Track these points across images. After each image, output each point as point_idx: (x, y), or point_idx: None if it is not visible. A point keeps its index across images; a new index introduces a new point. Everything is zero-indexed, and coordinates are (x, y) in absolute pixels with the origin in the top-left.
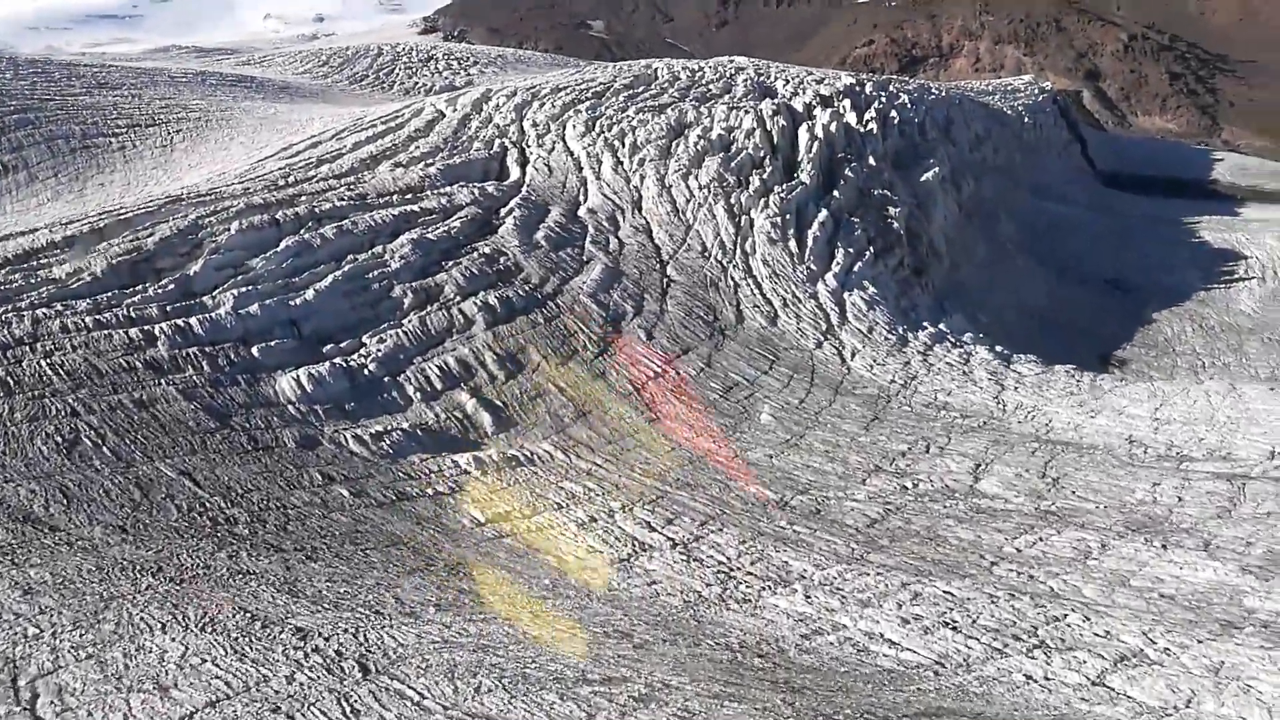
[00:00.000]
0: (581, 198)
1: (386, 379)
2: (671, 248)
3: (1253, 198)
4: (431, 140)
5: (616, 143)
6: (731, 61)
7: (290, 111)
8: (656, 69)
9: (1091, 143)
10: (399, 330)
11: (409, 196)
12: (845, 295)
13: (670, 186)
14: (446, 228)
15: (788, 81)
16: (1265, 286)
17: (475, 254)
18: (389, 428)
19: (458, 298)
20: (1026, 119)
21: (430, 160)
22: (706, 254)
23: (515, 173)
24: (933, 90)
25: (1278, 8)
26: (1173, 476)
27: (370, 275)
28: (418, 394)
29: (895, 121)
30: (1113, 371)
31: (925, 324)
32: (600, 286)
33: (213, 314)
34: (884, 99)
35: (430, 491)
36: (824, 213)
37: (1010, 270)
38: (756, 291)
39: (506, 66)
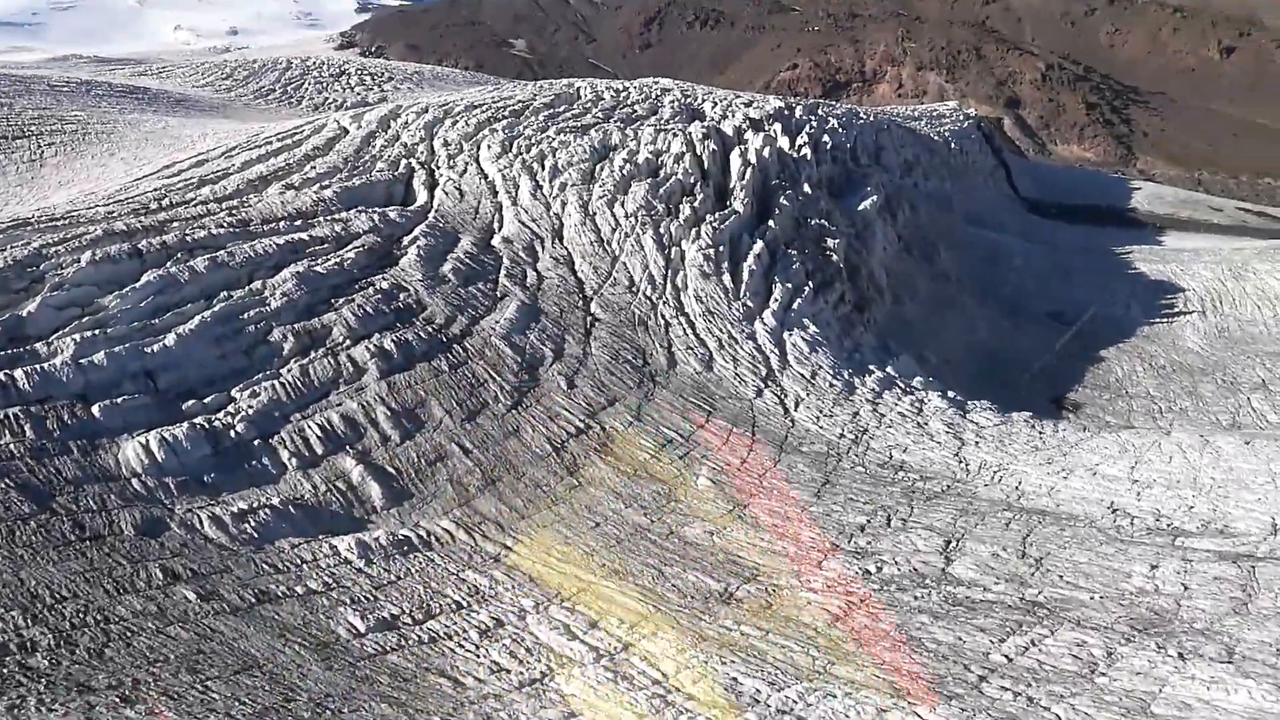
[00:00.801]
0: (496, 225)
1: (257, 442)
2: (596, 282)
3: (1171, 225)
4: (330, 160)
5: (535, 165)
6: (657, 83)
7: (183, 126)
8: (579, 88)
9: (1014, 170)
10: (276, 382)
11: (298, 223)
12: (785, 335)
13: (594, 214)
14: (339, 259)
15: (715, 104)
16: (1208, 321)
17: (371, 290)
18: (255, 504)
19: (347, 341)
20: (953, 145)
21: (326, 182)
22: (634, 289)
23: (422, 196)
24: (860, 115)
25: (1184, 40)
26: (1171, 557)
27: (245, 316)
28: (293, 460)
29: (828, 146)
30: (1068, 417)
31: (871, 367)
32: (515, 326)
33: (45, 364)
34: (814, 123)
35: (300, 590)
36: (759, 244)
37: (953, 305)
38: (689, 331)
39: (423, 83)
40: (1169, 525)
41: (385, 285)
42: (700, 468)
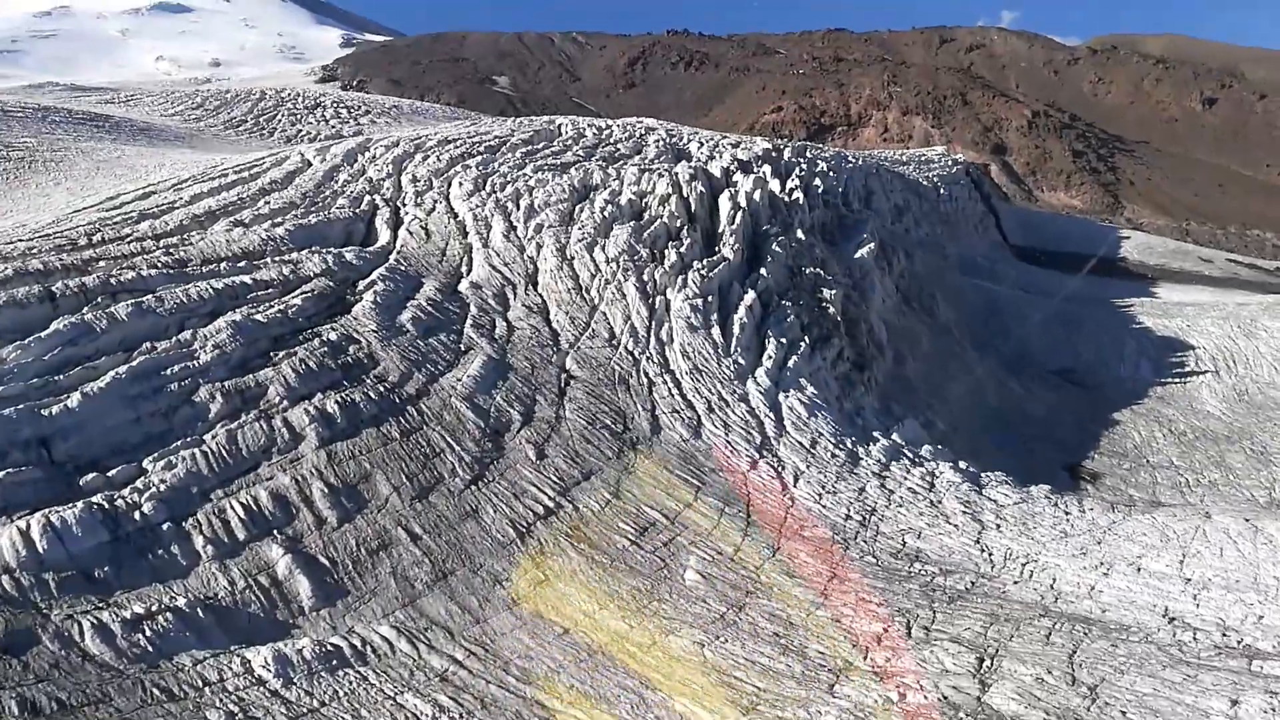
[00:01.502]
0: (464, 269)
1: (166, 526)
2: (573, 334)
3: (1163, 277)
4: (288, 195)
5: (510, 204)
6: (641, 122)
7: (140, 156)
8: (560, 125)
9: (1003, 217)
10: (197, 450)
11: (242, 264)
12: (781, 397)
13: (572, 258)
14: (283, 306)
15: (702, 144)
16: (1223, 383)
17: (316, 341)
18: (155, 606)
19: (284, 403)
20: (942, 190)
21: (280, 219)
22: (615, 342)
23: (384, 236)
24: (849, 158)
25: (1166, 91)
26: (1252, 688)
27: (169, 371)
28: (209, 549)
29: (819, 190)
30: (1086, 488)
31: (875, 433)
32: (480, 385)
33: None
34: (804, 165)
35: None
36: (751, 294)
37: (956, 362)
38: (675, 392)
39: (401, 117)
40: (1239, 642)
41: (333, 336)
42: (688, 557)
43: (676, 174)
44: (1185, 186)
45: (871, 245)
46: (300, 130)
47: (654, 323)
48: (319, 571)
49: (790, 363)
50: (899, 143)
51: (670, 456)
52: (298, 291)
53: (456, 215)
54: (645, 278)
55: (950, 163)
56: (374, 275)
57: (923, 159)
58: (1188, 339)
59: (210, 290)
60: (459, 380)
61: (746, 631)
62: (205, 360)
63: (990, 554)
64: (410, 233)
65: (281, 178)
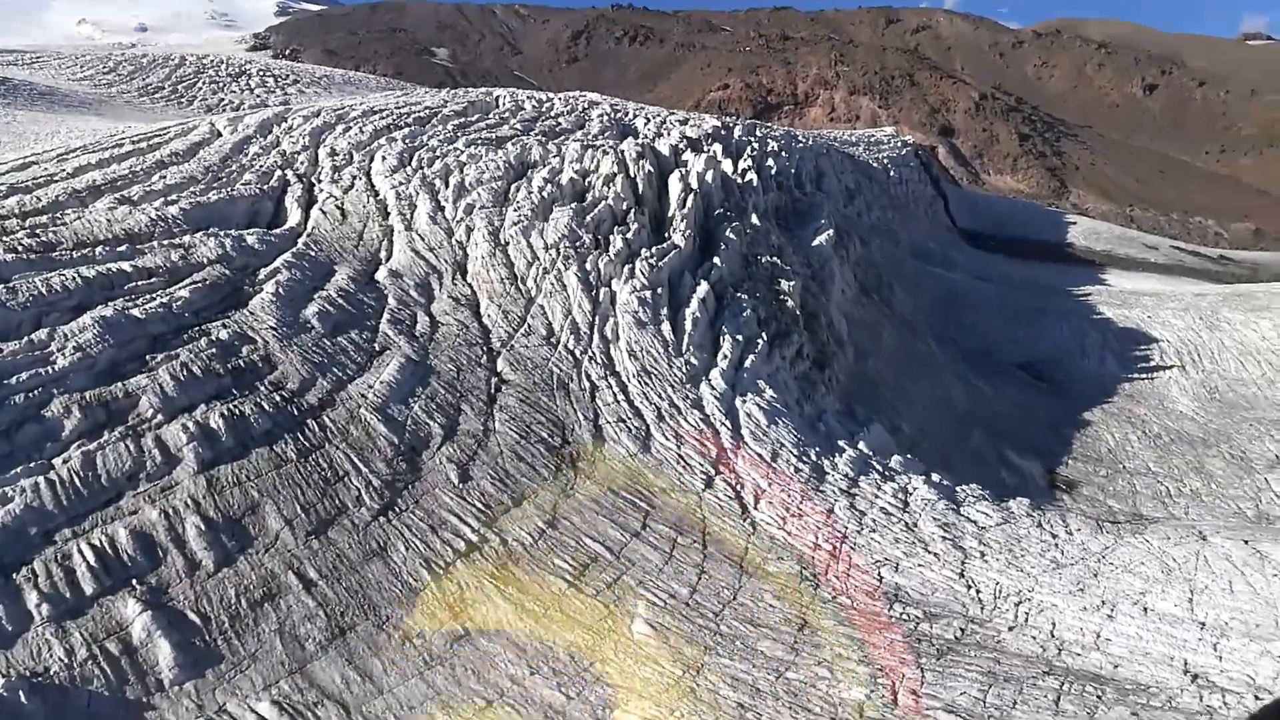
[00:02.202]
0: (383, 254)
1: None
2: (506, 330)
3: (1110, 263)
4: (188, 169)
5: (438, 181)
6: (583, 96)
7: (34, 122)
8: (498, 97)
9: (950, 200)
10: (41, 479)
11: (123, 248)
12: (738, 401)
13: (507, 244)
14: (166, 298)
15: (649, 120)
16: (1191, 379)
17: (204, 341)
18: None
19: (159, 417)
20: (893, 172)
21: (174, 196)
22: (553, 340)
23: (294, 217)
24: (799, 137)
25: (1108, 77)
26: None
27: (15, 380)
28: (44, 607)
29: (772, 171)
30: (1062, 500)
31: (840, 442)
32: (395, 392)
33: None
34: (755, 145)
35: None
36: (704, 285)
37: (919, 359)
38: (621, 397)
39: (332, 87)
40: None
41: (224, 335)
42: (636, 603)
43: (622, 152)
44: (1128, 172)
45: (830, 232)
46: (222, 100)
47: (597, 318)
48: (186, 632)
49: (747, 362)
50: (846, 123)
51: (616, 474)
52: (186, 281)
53: (377, 193)
54: (588, 267)
55: (900, 144)
56: (277, 262)
57: (872, 140)
58: (1150, 331)
59: (78, 279)
60: (370, 387)
61: (705, 702)
62: (63, 365)
63: (978, 591)
64: (324, 213)
65: (184, 150)
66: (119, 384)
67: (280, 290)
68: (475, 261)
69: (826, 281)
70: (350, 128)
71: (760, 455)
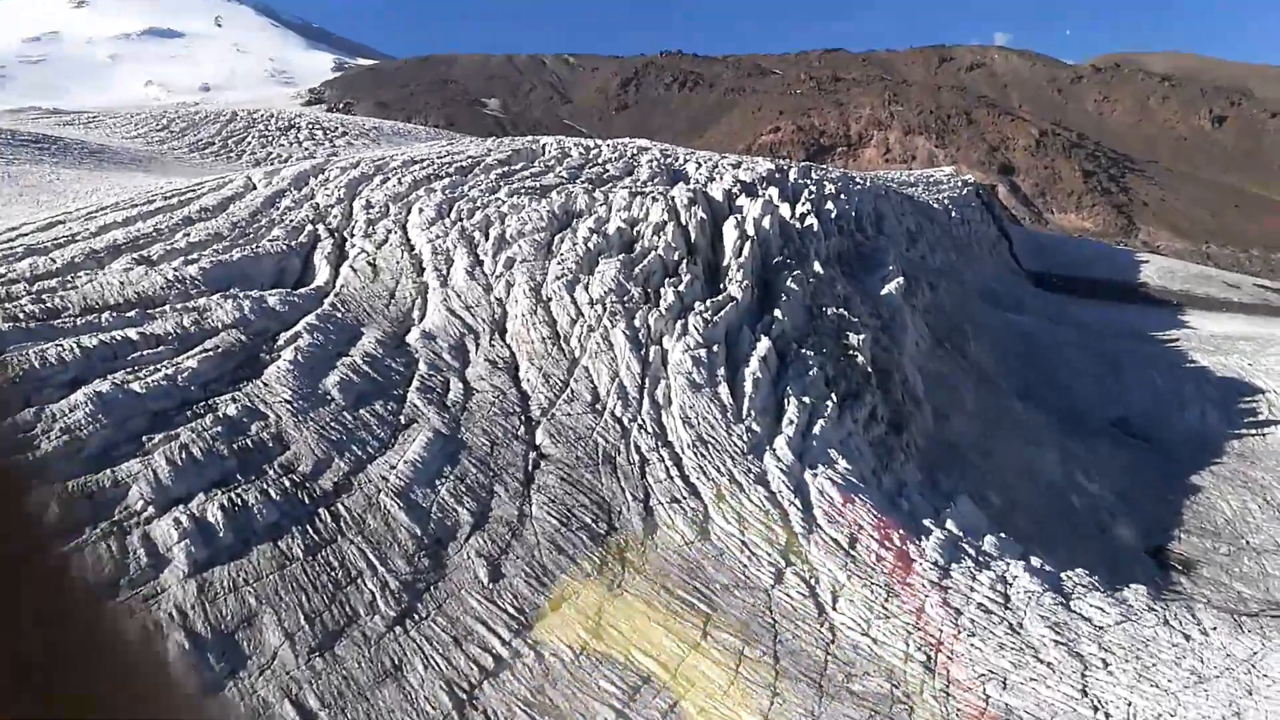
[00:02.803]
0: (416, 314)
1: None
2: (547, 396)
3: (1189, 303)
4: (215, 225)
5: (477, 234)
6: (633, 141)
7: (78, 180)
8: (544, 144)
9: (1014, 240)
10: None
11: (132, 314)
12: (808, 475)
13: (549, 300)
14: (173, 369)
15: (700, 165)
16: None
17: (209, 418)
18: None
19: (148, 510)
20: (954, 213)
21: (196, 254)
22: (599, 407)
23: (323, 274)
24: (856, 179)
25: (1173, 109)
26: None
27: None
28: None
29: (832, 215)
30: (1181, 584)
31: (926, 520)
32: (420, 473)
33: None
34: (813, 187)
35: None
36: (764, 342)
37: (1002, 417)
38: (674, 472)
39: (381, 139)
40: None
41: (232, 411)
42: None
43: (673, 198)
44: (1200, 207)
45: (900, 279)
46: (271, 153)
47: (648, 380)
48: None
49: (816, 428)
50: (902, 163)
51: (670, 568)
52: (197, 349)
53: (413, 247)
54: (637, 323)
55: (960, 183)
56: (299, 325)
57: (931, 180)
58: (1253, 380)
59: (75, 351)
60: (393, 467)
61: None
62: (46, 450)
63: (1107, 714)
64: (354, 269)
65: (215, 205)
66: (107, 472)
67: (300, 357)
68: (515, 320)
69: (898, 333)
70: (389, 179)
71: (836, 541)
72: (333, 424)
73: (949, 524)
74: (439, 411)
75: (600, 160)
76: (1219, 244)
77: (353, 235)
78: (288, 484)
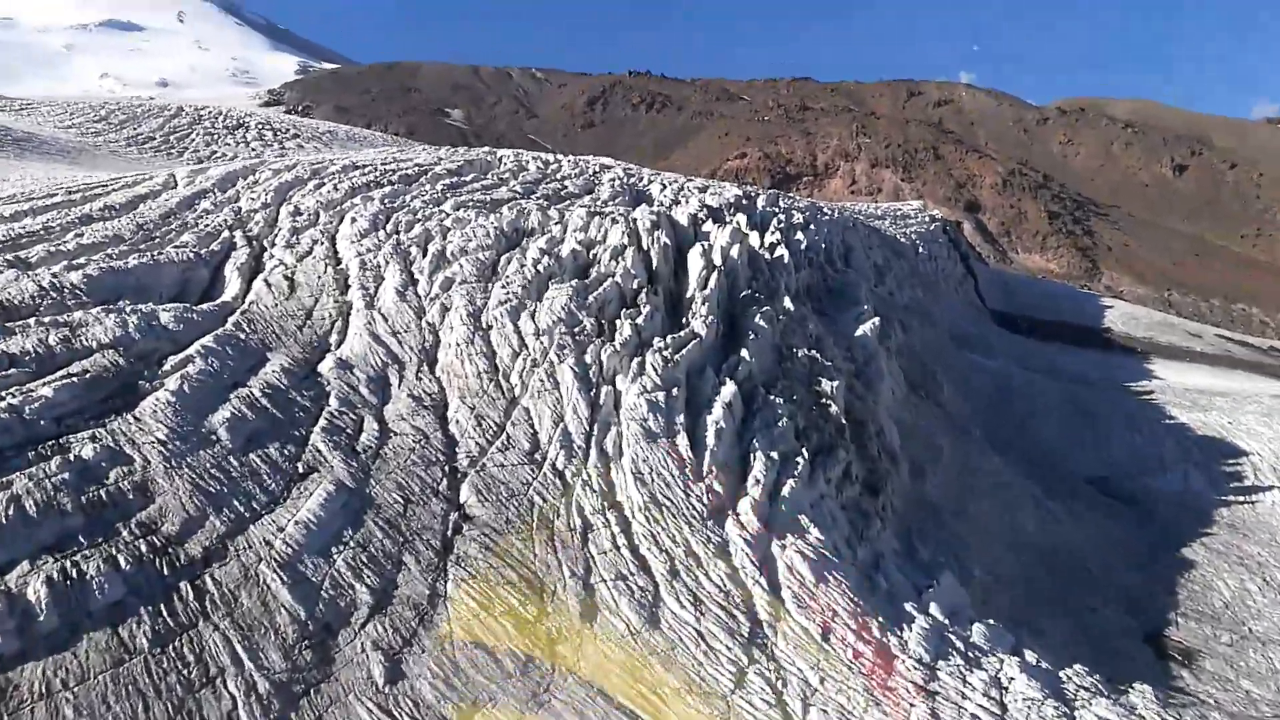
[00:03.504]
0: (334, 338)
1: None
2: (478, 442)
3: (1153, 350)
4: (117, 226)
5: (414, 249)
6: (595, 159)
7: None
8: (501, 156)
9: (979, 279)
10: None
11: None
12: (776, 547)
13: (489, 327)
14: (20, 398)
15: (665, 187)
16: None
17: (57, 462)
18: None
19: None
20: (921, 249)
21: (86, 258)
22: (538, 457)
23: (233, 288)
24: (824, 209)
25: (1136, 156)
26: None
27: None
28: None
29: (802, 246)
30: (1184, 679)
31: (908, 606)
32: (313, 539)
33: None
34: (781, 216)
35: None
36: (729, 386)
37: (981, 474)
38: (622, 541)
39: (334, 143)
40: None
41: (89, 452)
42: None
43: (634, 220)
44: (1163, 255)
45: (875, 320)
46: (215, 152)
47: (596, 426)
48: None
49: (785, 489)
50: (868, 195)
51: (610, 667)
52: (59, 374)
53: (339, 261)
54: (588, 359)
55: (928, 218)
56: (193, 348)
57: (899, 213)
58: (1234, 440)
59: None
60: (281, 530)
61: None
62: None
63: None
64: (268, 284)
65: (123, 203)
66: None
67: (186, 387)
68: (448, 349)
69: (874, 380)
70: (324, 184)
71: (807, 632)
72: (213, 472)
73: (933, 608)
74: (346, 459)
75: (559, 176)
76: (1181, 292)
77: (273, 245)
78: (144, 549)
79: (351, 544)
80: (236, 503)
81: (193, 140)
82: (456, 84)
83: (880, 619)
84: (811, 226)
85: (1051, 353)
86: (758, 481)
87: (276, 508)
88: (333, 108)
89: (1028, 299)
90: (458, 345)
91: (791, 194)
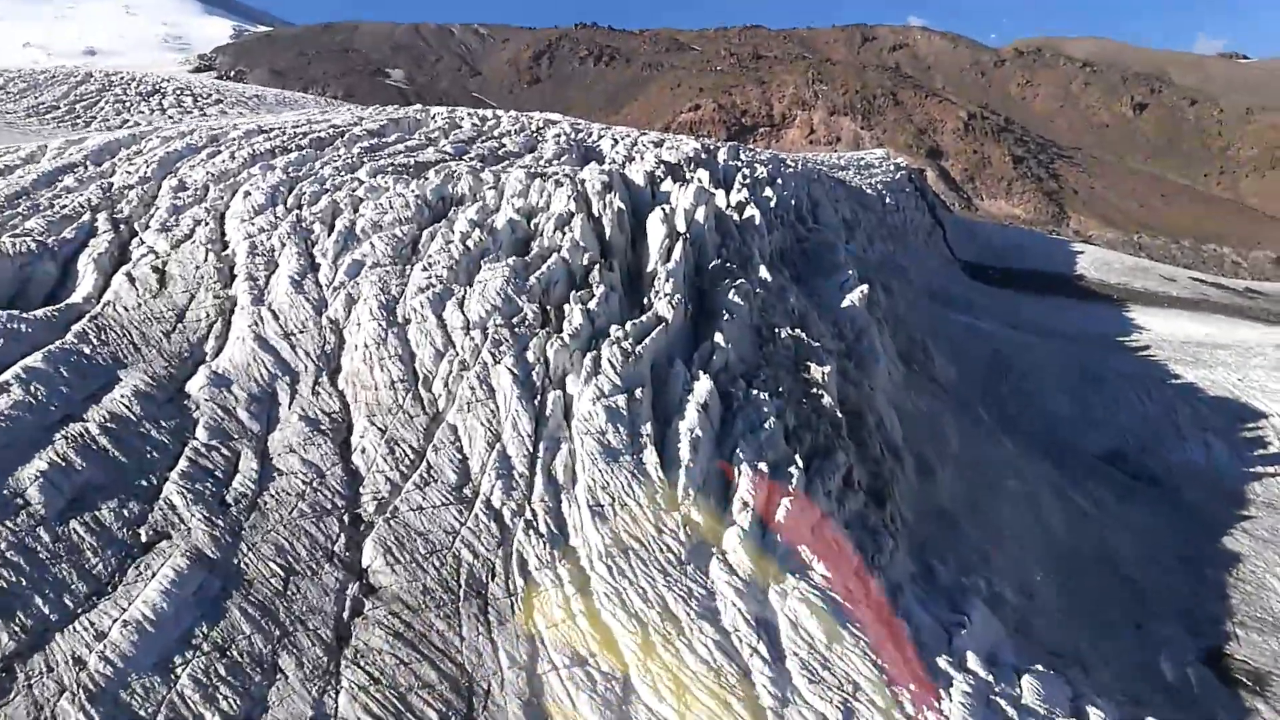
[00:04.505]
0: (210, 346)
1: None
2: (389, 476)
3: (1129, 298)
4: None
5: (318, 226)
6: (540, 114)
7: None
8: (434, 114)
9: (947, 228)
10: None
11: None
12: (775, 597)
13: (407, 322)
14: None
15: (616, 142)
16: None
17: None
18: None
19: None
20: (888, 199)
21: None
22: (468, 493)
23: (87, 285)
24: (787, 161)
25: (1096, 95)
26: None
27: None
28: None
29: (771, 204)
30: (1258, 712)
31: (942, 658)
32: (149, 648)
33: None
34: (746, 170)
35: None
36: (704, 381)
37: (993, 462)
38: (578, 605)
39: (262, 108)
40: None
41: None
42: None
43: (583, 182)
44: (1128, 197)
45: (864, 288)
46: (127, 121)
47: (543, 445)
48: None
49: (780, 512)
50: (827, 145)
51: None
52: None
53: (226, 245)
54: (531, 356)
55: (893, 167)
56: (9, 372)
57: (862, 163)
58: (1250, 401)
59: None
60: (102, 636)
61: None
62: None
63: None
64: (132, 278)
65: None
66: None
67: (4, 423)
68: (354, 353)
69: (868, 360)
70: (220, 152)
71: (825, 700)
72: (9, 554)
73: (970, 659)
74: (210, 515)
75: (496, 133)
76: (1150, 234)
77: (145, 228)
78: None
79: (205, 648)
80: (39, 600)
81: (101, 109)
82: (397, 43)
83: (912, 686)
84: (778, 181)
85: (1034, 306)
86: (745, 505)
87: (100, 601)
88: (267, 71)
89: (996, 247)
90: (366, 347)
91: (751, 146)
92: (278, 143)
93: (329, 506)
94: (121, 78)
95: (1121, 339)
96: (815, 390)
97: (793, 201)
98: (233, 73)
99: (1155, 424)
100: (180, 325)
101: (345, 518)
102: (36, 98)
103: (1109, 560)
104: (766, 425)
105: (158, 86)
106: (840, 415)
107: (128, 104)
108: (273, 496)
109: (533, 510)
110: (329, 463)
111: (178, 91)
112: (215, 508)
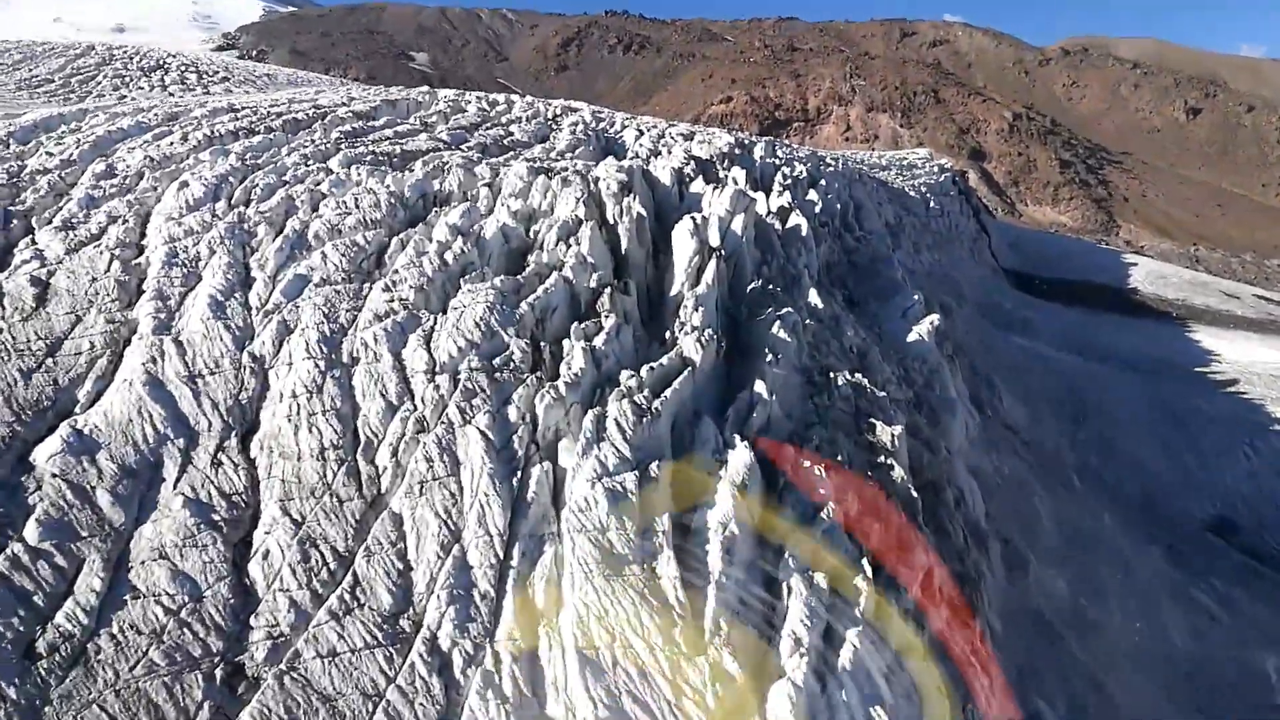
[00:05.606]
0: (84, 393)
1: None
2: (296, 598)
3: (1189, 316)
4: None
5: (263, 229)
6: (559, 101)
7: None
8: (440, 95)
9: (992, 234)
10: None
11: None
12: None
13: (353, 362)
14: None
15: (642, 133)
16: None
17: None
18: None
19: None
20: (932, 203)
21: None
22: (405, 625)
23: None
24: (825, 160)
25: (1146, 98)
26: None
27: None
28: None
29: (816, 209)
30: None
31: None
32: None
33: None
34: (786, 170)
35: None
36: (741, 452)
37: (1097, 548)
38: None
39: (270, 87)
40: None
41: None
42: None
43: (596, 179)
44: (1182, 206)
45: (934, 319)
46: (124, 97)
47: (518, 550)
48: None
49: (844, 658)
50: (863, 143)
51: None
52: None
53: (141, 250)
54: (513, 413)
55: (936, 168)
56: None
57: (904, 163)
58: None
59: None
60: None
61: None
62: None
63: None
64: (3, 294)
65: None
66: None
67: None
68: (276, 406)
69: (942, 413)
70: (170, 133)
71: None
72: None
73: None
74: (10, 675)
75: (503, 120)
76: (1207, 247)
77: (37, 227)
78: None
79: None
80: None
81: (99, 84)
82: (422, 26)
83: None
84: (821, 182)
85: (1096, 325)
86: (798, 643)
87: None
88: (289, 52)
89: (1044, 256)
90: (294, 396)
91: (786, 141)
92: (245, 124)
93: (195, 654)
94: (124, 51)
95: (1200, 369)
96: (885, 460)
97: (837, 205)
98: (254, 52)
99: (1263, 481)
100: (50, 362)
101: (219, 672)
102: (31, 70)
103: (1257, 683)
104: (824, 515)
105: (161, 62)
106: (914, 494)
107: (127, 80)
108: (112, 640)
109: (496, 656)
110: (212, 576)
111: (182, 68)
112: (18, 664)
